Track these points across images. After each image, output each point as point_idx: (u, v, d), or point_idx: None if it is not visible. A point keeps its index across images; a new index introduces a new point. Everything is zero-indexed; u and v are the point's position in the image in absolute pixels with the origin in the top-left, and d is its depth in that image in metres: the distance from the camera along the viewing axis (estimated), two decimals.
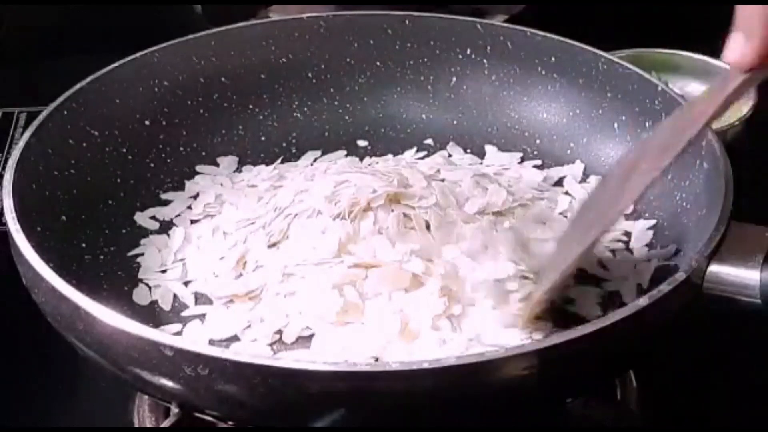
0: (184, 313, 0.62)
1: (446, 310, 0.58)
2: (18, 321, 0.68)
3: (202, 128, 0.74)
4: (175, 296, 0.63)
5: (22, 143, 0.62)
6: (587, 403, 0.58)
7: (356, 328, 0.58)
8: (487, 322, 0.58)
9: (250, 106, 0.76)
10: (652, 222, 0.66)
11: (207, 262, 0.64)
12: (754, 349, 0.68)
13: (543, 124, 0.75)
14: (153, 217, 0.68)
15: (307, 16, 0.77)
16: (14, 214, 0.57)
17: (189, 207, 0.69)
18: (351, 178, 0.65)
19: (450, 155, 0.74)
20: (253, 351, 0.58)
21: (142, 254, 0.66)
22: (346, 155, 0.74)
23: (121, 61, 0.71)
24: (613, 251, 0.65)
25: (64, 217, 0.64)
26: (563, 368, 0.50)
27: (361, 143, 0.76)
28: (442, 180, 0.67)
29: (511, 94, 0.75)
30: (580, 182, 0.71)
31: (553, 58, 0.73)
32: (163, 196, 0.70)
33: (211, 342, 0.59)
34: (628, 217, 0.67)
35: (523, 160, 0.74)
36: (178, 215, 0.69)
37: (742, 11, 0.52)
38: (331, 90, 0.77)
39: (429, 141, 0.76)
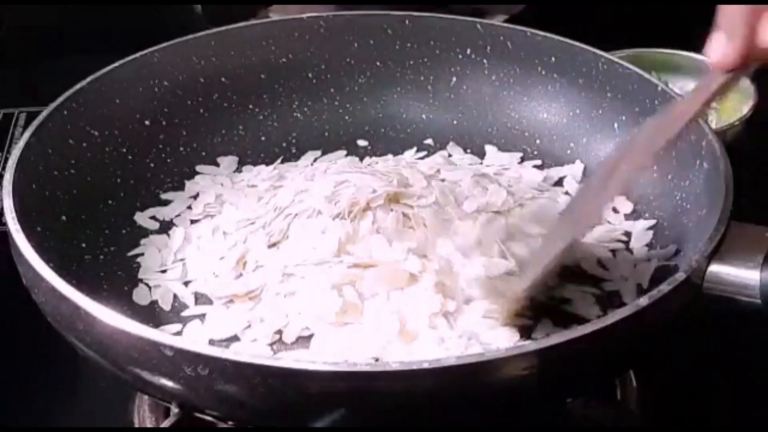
0: (184, 313, 0.62)
1: (442, 307, 0.58)
2: (18, 321, 0.68)
3: (202, 128, 0.74)
4: (175, 296, 0.63)
5: (22, 143, 0.62)
6: (587, 403, 0.58)
7: (355, 328, 0.58)
8: (482, 320, 0.58)
9: (250, 106, 0.76)
10: (652, 222, 0.66)
11: (207, 262, 0.64)
12: (754, 349, 0.68)
13: (543, 124, 0.75)
14: (153, 217, 0.68)
15: (307, 16, 0.77)
16: (14, 214, 0.57)
17: (189, 207, 0.69)
18: (351, 178, 0.65)
19: (450, 155, 0.74)
20: (253, 351, 0.58)
21: (142, 254, 0.66)
22: (346, 155, 0.74)
23: (121, 61, 0.71)
24: (613, 251, 0.65)
25: (64, 217, 0.64)
26: (563, 368, 0.50)
27: (361, 143, 0.76)
28: (442, 180, 0.67)
29: (511, 94, 0.75)
30: (580, 182, 0.71)
31: (553, 58, 0.73)
32: (163, 196, 0.70)
33: (211, 342, 0.59)
34: (628, 217, 0.68)
35: (523, 160, 0.74)
36: (178, 215, 0.69)
37: (724, 11, 0.52)
38: (331, 90, 0.77)
39: (429, 141, 0.76)
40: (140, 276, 0.64)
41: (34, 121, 0.64)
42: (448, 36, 0.76)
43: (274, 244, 0.63)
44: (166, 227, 0.68)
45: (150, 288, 0.63)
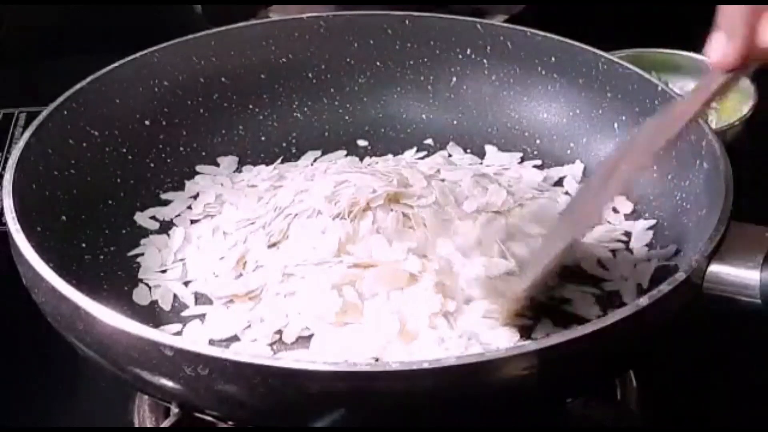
0: (184, 313, 0.62)
1: (442, 307, 0.58)
2: (18, 321, 0.68)
3: (202, 128, 0.74)
4: (175, 296, 0.63)
5: (22, 143, 0.62)
6: (587, 403, 0.58)
7: (355, 328, 0.58)
8: (482, 320, 0.58)
9: (250, 106, 0.76)
10: (652, 222, 0.66)
11: (207, 262, 0.64)
12: (754, 349, 0.68)
13: (543, 124, 0.75)
14: (153, 217, 0.68)
15: (307, 16, 0.77)
16: (14, 214, 0.57)
17: (189, 207, 0.69)
18: (351, 178, 0.65)
19: (450, 155, 0.74)
20: (253, 351, 0.58)
21: (142, 254, 0.66)
22: (346, 155, 0.74)
23: (121, 61, 0.71)
24: (613, 251, 0.65)
25: (64, 217, 0.64)
26: (563, 368, 0.50)
27: (361, 143, 0.76)
28: (442, 180, 0.67)
29: (511, 94, 0.75)
30: (580, 182, 0.71)
31: (553, 58, 0.73)
32: (163, 196, 0.70)
33: (211, 342, 0.59)
34: (628, 217, 0.68)
35: (523, 160, 0.74)
36: (178, 215, 0.69)
37: (724, 11, 0.52)
38: (331, 90, 0.77)
39: (429, 141, 0.76)
40: (140, 276, 0.64)
41: (34, 121, 0.64)
42: (448, 36, 0.76)
43: (274, 244, 0.63)
44: (166, 227, 0.68)
45: (150, 288, 0.63)
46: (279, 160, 0.73)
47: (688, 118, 0.55)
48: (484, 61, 0.76)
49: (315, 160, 0.74)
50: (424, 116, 0.77)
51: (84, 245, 0.64)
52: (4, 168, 0.67)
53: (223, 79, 0.75)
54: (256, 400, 0.50)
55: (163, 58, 0.73)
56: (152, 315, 0.62)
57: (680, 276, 0.52)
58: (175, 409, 0.54)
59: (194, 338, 0.59)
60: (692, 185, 0.63)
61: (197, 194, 0.70)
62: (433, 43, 0.76)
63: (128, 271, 0.64)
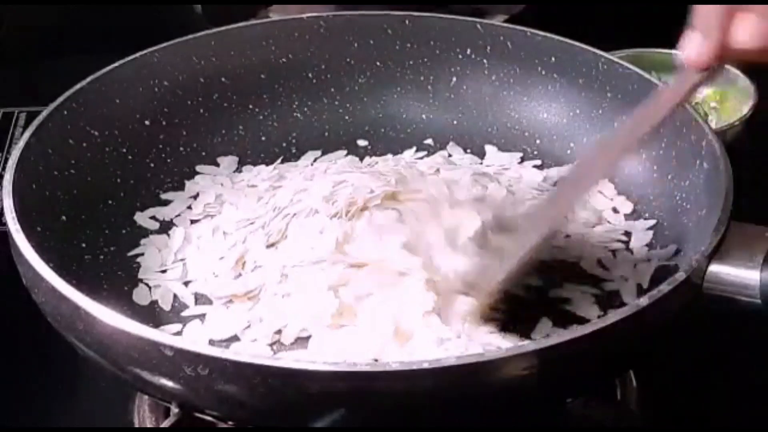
0: (184, 313, 0.62)
1: (435, 305, 0.58)
2: (18, 321, 0.68)
3: (202, 128, 0.74)
4: (175, 296, 0.63)
5: (22, 143, 0.62)
6: (587, 403, 0.58)
7: (351, 330, 0.58)
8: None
9: (250, 106, 0.76)
10: (652, 222, 0.66)
11: (207, 262, 0.64)
12: (754, 349, 0.68)
13: (543, 124, 0.75)
14: (153, 217, 0.68)
15: (307, 16, 0.77)
16: (14, 214, 0.57)
17: (189, 207, 0.69)
18: (349, 178, 0.65)
19: (450, 155, 0.74)
20: (253, 351, 0.58)
21: (142, 254, 0.66)
22: (346, 155, 0.74)
23: (121, 61, 0.71)
24: (613, 251, 0.65)
25: (64, 217, 0.64)
26: (563, 368, 0.50)
27: (361, 143, 0.76)
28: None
29: (511, 94, 0.75)
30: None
31: (553, 58, 0.73)
32: (163, 196, 0.70)
33: (211, 342, 0.59)
34: (628, 217, 0.68)
35: (523, 160, 0.74)
36: (178, 215, 0.69)
37: (698, 11, 0.53)
38: (331, 90, 0.77)
39: (429, 141, 0.76)
40: (140, 276, 0.64)
41: (34, 121, 0.64)
42: (448, 36, 0.76)
43: (272, 244, 0.63)
44: (166, 227, 0.68)
45: (150, 288, 0.63)
46: (279, 160, 0.73)
47: (658, 120, 0.55)
48: (484, 61, 0.76)
49: (315, 160, 0.74)
50: (424, 116, 0.77)
51: (84, 245, 0.64)
52: (4, 168, 0.67)
53: (223, 79, 0.75)
54: (256, 400, 0.50)
55: (163, 58, 0.73)
56: (152, 315, 0.62)
57: (680, 276, 0.52)
58: (175, 409, 0.54)
59: (194, 338, 0.59)
60: (692, 185, 0.63)
61: (197, 194, 0.70)
62: (433, 43, 0.76)
63: (128, 271, 0.64)
